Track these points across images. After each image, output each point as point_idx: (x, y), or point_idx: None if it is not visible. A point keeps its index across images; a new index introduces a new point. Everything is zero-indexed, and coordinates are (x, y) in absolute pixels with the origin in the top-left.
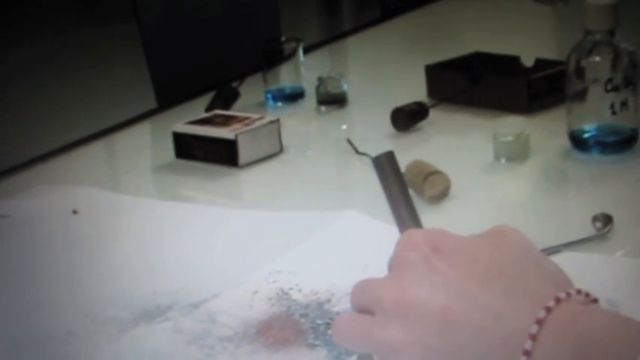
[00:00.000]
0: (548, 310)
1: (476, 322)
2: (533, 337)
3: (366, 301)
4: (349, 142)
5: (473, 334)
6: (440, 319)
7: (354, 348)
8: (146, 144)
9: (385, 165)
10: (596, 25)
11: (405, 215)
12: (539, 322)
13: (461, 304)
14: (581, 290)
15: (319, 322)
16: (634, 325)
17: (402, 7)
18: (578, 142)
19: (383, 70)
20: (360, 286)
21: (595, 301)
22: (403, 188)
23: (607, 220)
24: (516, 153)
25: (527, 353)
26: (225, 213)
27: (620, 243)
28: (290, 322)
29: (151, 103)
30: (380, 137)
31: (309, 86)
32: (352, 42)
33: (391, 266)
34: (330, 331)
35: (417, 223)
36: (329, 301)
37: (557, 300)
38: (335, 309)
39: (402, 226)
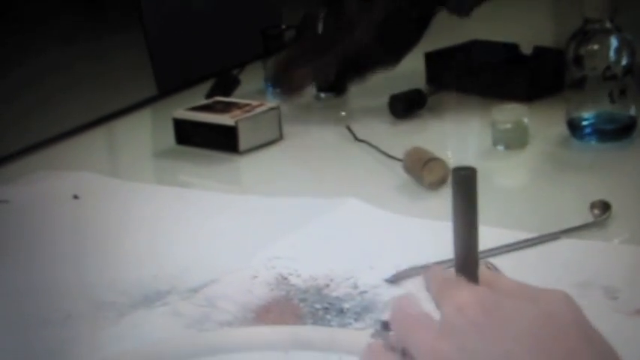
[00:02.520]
0: None
1: None
2: None
3: (407, 342)
4: (348, 129)
5: None
6: None
7: None
8: (147, 130)
9: (463, 184)
10: (595, 13)
11: (467, 248)
12: None
13: None
14: None
15: (318, 306)
16: None
17: None
18: (576, 129)
19: None
20: (406, 320)
21: None
22: (473, 217)
23: (605, 207)
24: (514, 140)
25: None
26: (224, 199)
27: (618, 230)
28: (289, 307)
29: (152, 89)
30: (379, 124)
31: None
32: None
33: (439, 319)
34: (328, 316)
35: (475, 256)
36: (327, 286)
37: None
38: (334, 294)
39: (460, 251)
